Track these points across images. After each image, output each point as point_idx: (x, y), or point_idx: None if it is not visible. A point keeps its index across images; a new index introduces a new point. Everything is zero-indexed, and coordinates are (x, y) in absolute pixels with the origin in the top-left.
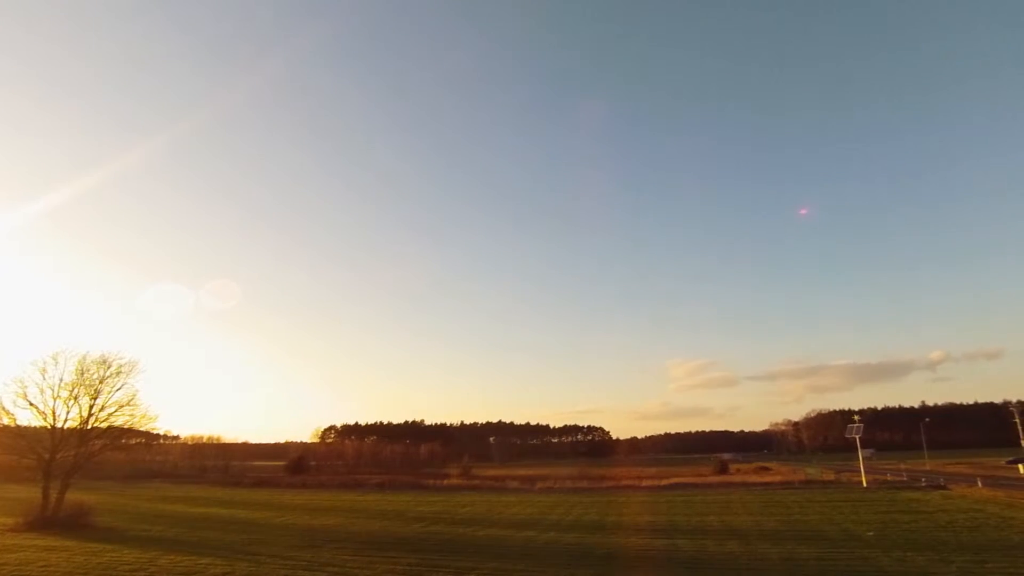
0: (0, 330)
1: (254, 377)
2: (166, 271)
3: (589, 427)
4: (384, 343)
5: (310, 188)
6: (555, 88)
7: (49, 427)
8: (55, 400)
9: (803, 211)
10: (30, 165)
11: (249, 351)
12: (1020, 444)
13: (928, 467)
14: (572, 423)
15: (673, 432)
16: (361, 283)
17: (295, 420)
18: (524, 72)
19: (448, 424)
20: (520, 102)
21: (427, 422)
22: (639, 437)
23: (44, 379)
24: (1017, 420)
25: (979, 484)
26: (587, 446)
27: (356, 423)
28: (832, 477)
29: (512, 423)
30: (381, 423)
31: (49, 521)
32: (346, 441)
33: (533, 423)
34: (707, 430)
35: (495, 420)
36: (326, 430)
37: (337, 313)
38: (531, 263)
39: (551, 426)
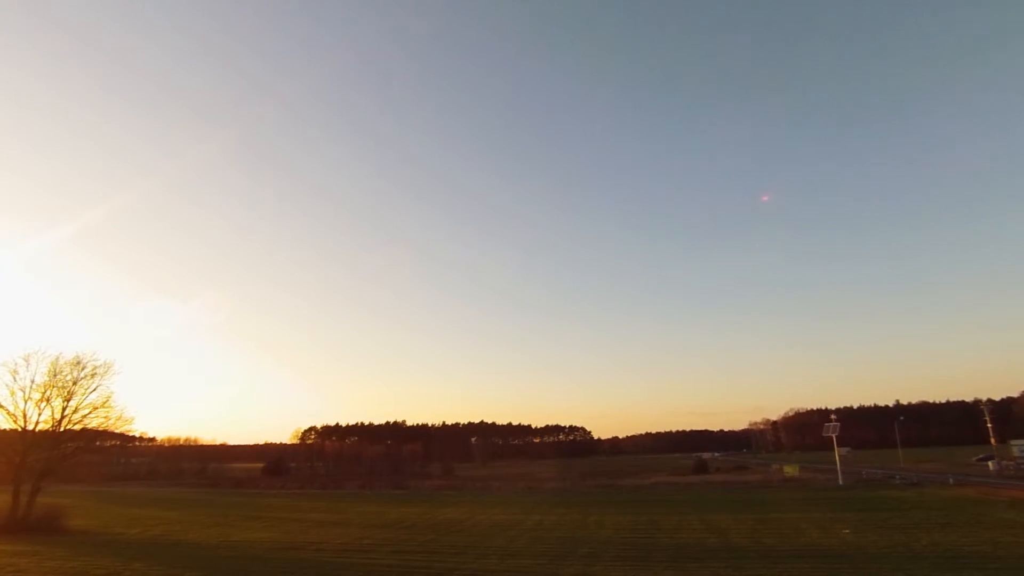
0: None
1: (233, 378)
2: (150, 276)
3: (571, 427)
4: (366, 344)
5: (297, 190)
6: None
7: (20, 429)
8: (26, 402)
9: (764, 198)
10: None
11: (228, 351)
12: (990, 442)
13: (903, 464)
14: (566, 424)
15: (654, 432)
16: (342, 284)
17: (274, 421)
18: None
19: (430, 425)
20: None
21: (409, 423)
22: (620, 437)
23: (15, 381)
24: (987, 418)
25: (951, 481)
26: (569, 446)
27: (337, 424)
28: (809, 476)
29: (494, 423)
30: (362, 424)
31: (19, 525)
32: (326, 442)
33: (515, 423)
34: (687, 429)
35: (477, 420)
36: (306, 431)
37: (318, 314)
38: (512, 266)
39: (533, 426)
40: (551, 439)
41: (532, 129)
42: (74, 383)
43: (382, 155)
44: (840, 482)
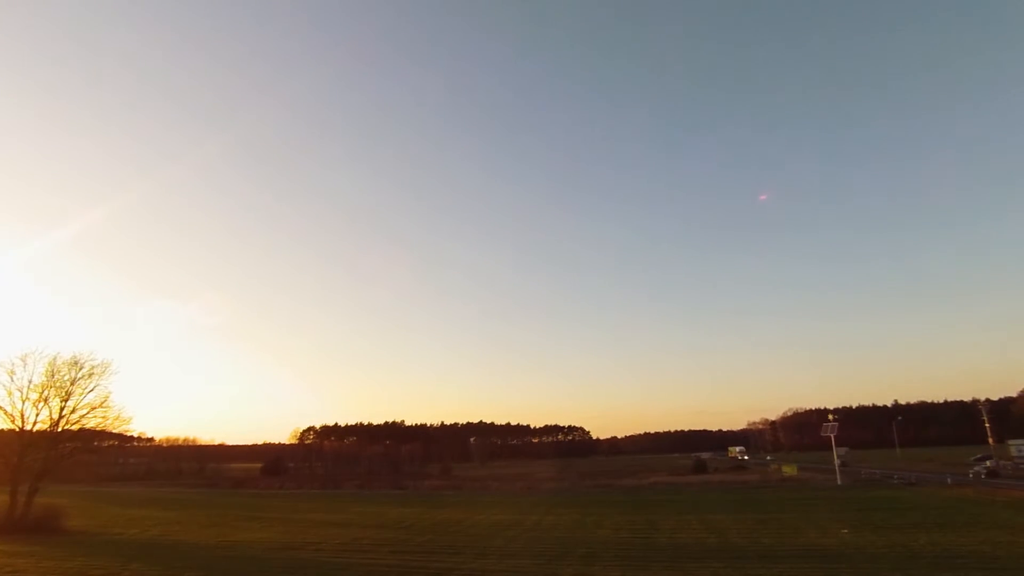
0: None
1: (232, 378)
2: (149, 277)
3: (569, 427)
4: (365, 344)
5: (295, 191)
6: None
7: (17, 429)
8: (24, 402)
9: (762, 197)
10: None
11: (227, 352)
12: (988, 442)
13: (901, 464)
14: (564, 424)
15: (652, 432)
16: (341, 285)
17: (273, 421)
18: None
19: (428, 425)
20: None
21: (407, 423)
22: (619, 437)
23: (12, 381)
24: (985, 418)
25: (949, 481)
26: (568, 446)
27: (335, 424)
28: (808, 475)
29: (493, 423)
30: (361, 424)
31: (17, 525)
32: (325, 442)
33: (514, 423)
34: (686, 429)
35: (475, 420)
36: (305, 431)
37: (317, 314)
38: (511, 266)
39: (531, 426)
40: (550, 439)
41: (532, 129)
42: (72, 383)
43: (381, 156)
44: (839, 482)
